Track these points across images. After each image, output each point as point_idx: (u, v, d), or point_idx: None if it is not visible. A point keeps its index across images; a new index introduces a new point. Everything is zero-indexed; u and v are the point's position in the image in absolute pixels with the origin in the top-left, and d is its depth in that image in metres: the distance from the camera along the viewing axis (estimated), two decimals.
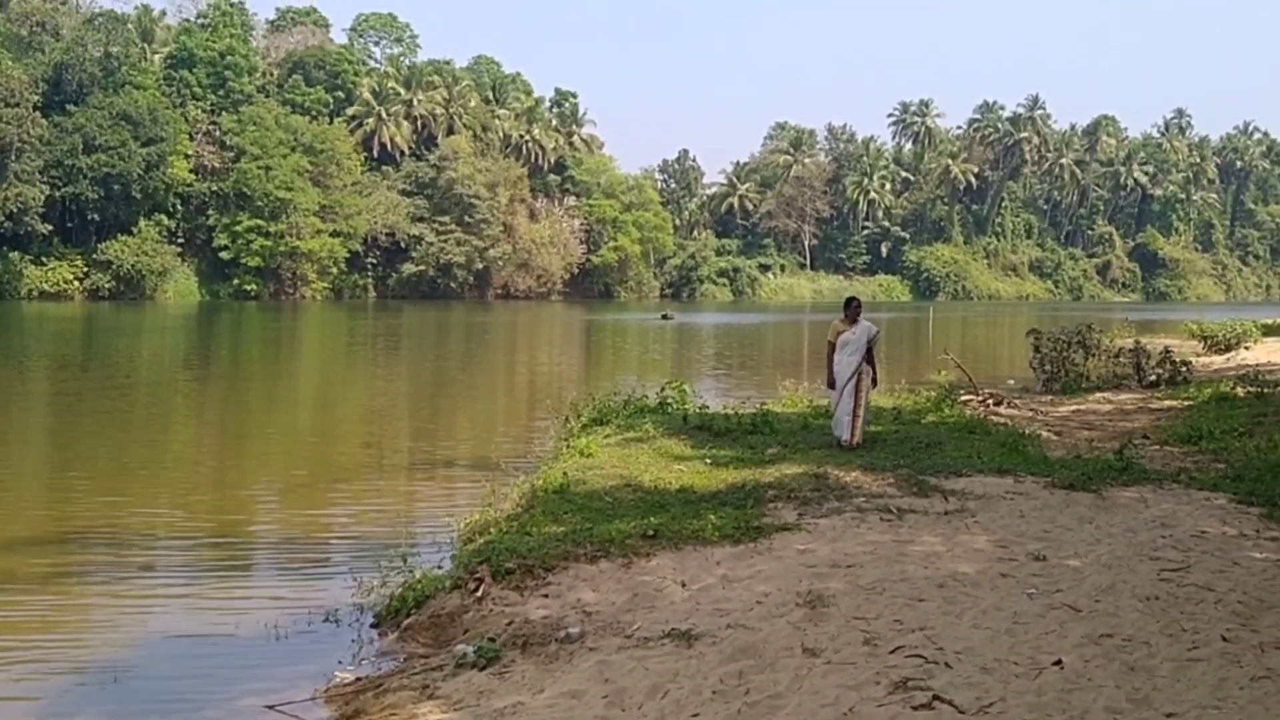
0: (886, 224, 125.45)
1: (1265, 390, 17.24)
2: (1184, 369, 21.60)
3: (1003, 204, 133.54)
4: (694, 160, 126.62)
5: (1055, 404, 18.62)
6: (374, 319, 62.88)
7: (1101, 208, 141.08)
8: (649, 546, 8.16)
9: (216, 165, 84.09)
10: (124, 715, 6.77)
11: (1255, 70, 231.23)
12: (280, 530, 12.13)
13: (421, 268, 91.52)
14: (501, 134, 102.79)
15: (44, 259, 77.04)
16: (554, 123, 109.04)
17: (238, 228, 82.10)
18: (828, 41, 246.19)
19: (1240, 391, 17.56)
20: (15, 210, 72.67)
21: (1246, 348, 30.19)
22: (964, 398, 18.14)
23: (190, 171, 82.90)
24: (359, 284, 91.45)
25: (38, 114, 74.52)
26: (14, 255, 74.87)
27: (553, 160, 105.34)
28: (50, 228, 76.39)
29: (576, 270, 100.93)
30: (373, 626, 7.97)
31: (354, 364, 35.31)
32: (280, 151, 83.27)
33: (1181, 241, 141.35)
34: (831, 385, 12.47)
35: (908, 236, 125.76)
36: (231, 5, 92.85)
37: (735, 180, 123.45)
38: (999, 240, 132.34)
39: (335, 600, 8.60)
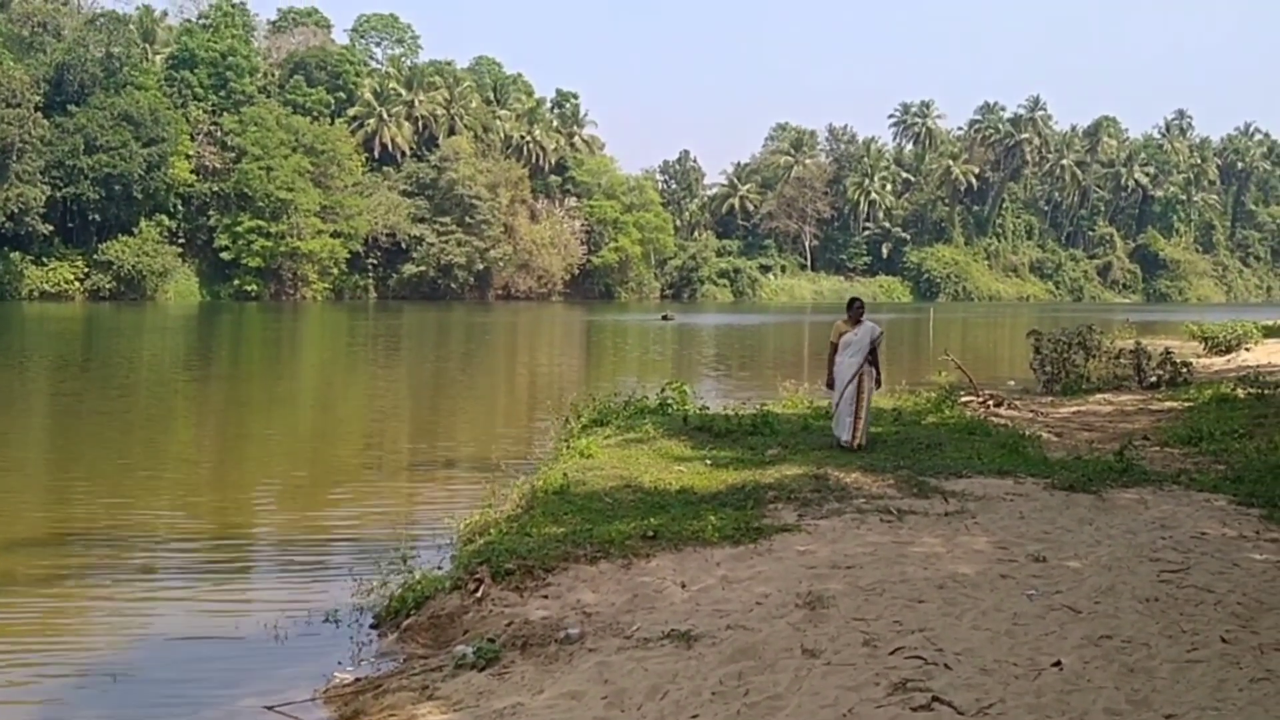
0: (887, 225, 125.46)
1: (1266, 392, 17.23)
2: (1184, 370, 21.59)
3: (1003, 205, 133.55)
4: (695, 161, 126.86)
5: (1056, 405, 18.62)
6: (374, 320, 62.90)
7: (1102, 209, 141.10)
8: (649, 547, 8.16)
9: (218, 166, 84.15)
10: (124, 716, 6.77)
11: (1256, 71, 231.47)
12: (280, 531, 12.14)
13: (422, 268, 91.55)
14: (502, 135, 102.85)
15: (45, 259, 77.10)
16: (555, 123, 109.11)
17: (239, 228, 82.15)
18: (829, 42, 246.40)
19: (1241, 393, 17.55)
20: (16, 210, 72.73)
21: (1247, 349, 30.19)
22: (964, 399, 18.14)
23: (191, 172, 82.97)
24: (360, 285, 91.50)
25: (39, 114, 74.60)
26: (15, 255, 74.93)
27: (554, 161, 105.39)
28: (51, 228, 76.46)
29: (577, 271, 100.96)
30: (372, 627, 7.97)
31: (354, 365, 35.32)
32: (281, 152, 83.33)
33: (1182, 243, 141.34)
34: (831, 386, 12.47)
35: (908, 237, 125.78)
36: (233, 6, 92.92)
37: (736, 181, 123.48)
38: (1000, 241, 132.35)
39: (335, 601, 8.60)
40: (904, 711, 5.21)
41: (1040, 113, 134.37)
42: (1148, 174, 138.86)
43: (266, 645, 7.88)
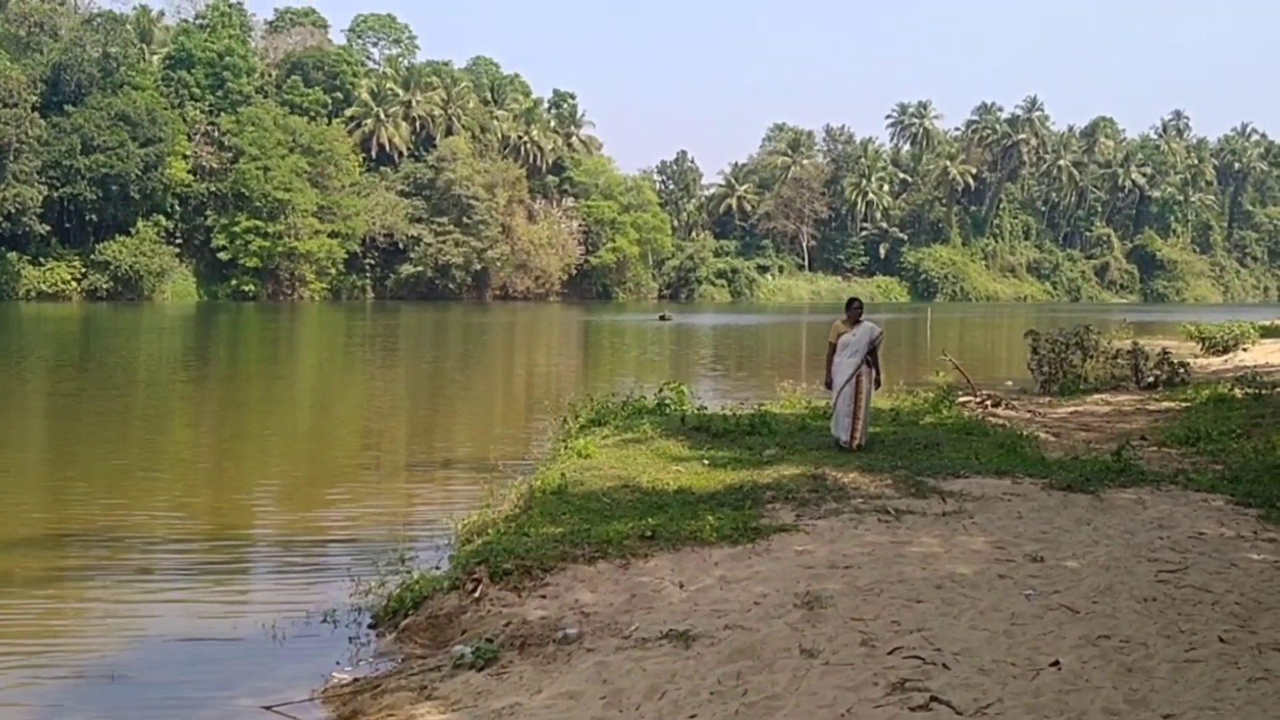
0: (885, 225, 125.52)
1: (1263, 392, 17.24)
2: (1182, 370, 21.60)
3: (1001, 205, 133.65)
4: (692, 161, 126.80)
5: (1053, 405, 18.63)
6: (372, 320, 62.87)
7: (1099, 209, 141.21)
8: (647, 547, 8.16)
9: (215, 166, 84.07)
10: (122, 716, 6.76)
11: (1254, 72, 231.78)
12: (278, 531, 12.13)
13: (419, 269, 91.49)
14: (500, 135, 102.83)
15: (42, 259, 77.04)
16: (552, 124, 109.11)
17: (236, 228, 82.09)
18: (826, 43, 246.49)
19: (1238, 393, 17.56)
20: (13, 211, 72.66)
21: (1244, 349, 30.23)
22: (962, 399, 18.15)
23: (188, 172, 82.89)
24: (357, 285, 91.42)
25: (36, 114, 74.55)
26: (12, 256, 74.88)
27: (551, 161, 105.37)
28: (48, 228, 76.37)
29: (575, 271, 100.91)
30: (370, 627, 7.96)
31: (352, 365, 35.30)
32: (279, 152, 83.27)
33: (1179, 243, 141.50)
34: (830, 386, 12.47)
35: (906, 238, 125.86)
36: (230, 6, 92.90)
37: (733, 181, 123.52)
38: (997, 241, 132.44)
39: (333, 601, 8.60)
40: (902, 711, 5.21)
41: (1037, 113, 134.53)
42: (1145, 175, 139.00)
43: (264, 645, 7.87)
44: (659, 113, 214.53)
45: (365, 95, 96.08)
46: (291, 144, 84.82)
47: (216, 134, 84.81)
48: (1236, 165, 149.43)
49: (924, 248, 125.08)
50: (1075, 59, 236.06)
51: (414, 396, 26.60)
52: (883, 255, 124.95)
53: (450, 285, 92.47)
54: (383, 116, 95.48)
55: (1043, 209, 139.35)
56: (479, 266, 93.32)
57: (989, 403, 18.08)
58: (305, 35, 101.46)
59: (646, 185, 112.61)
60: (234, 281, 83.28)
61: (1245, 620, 6.40)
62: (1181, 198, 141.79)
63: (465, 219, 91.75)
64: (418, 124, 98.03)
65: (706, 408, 15.86)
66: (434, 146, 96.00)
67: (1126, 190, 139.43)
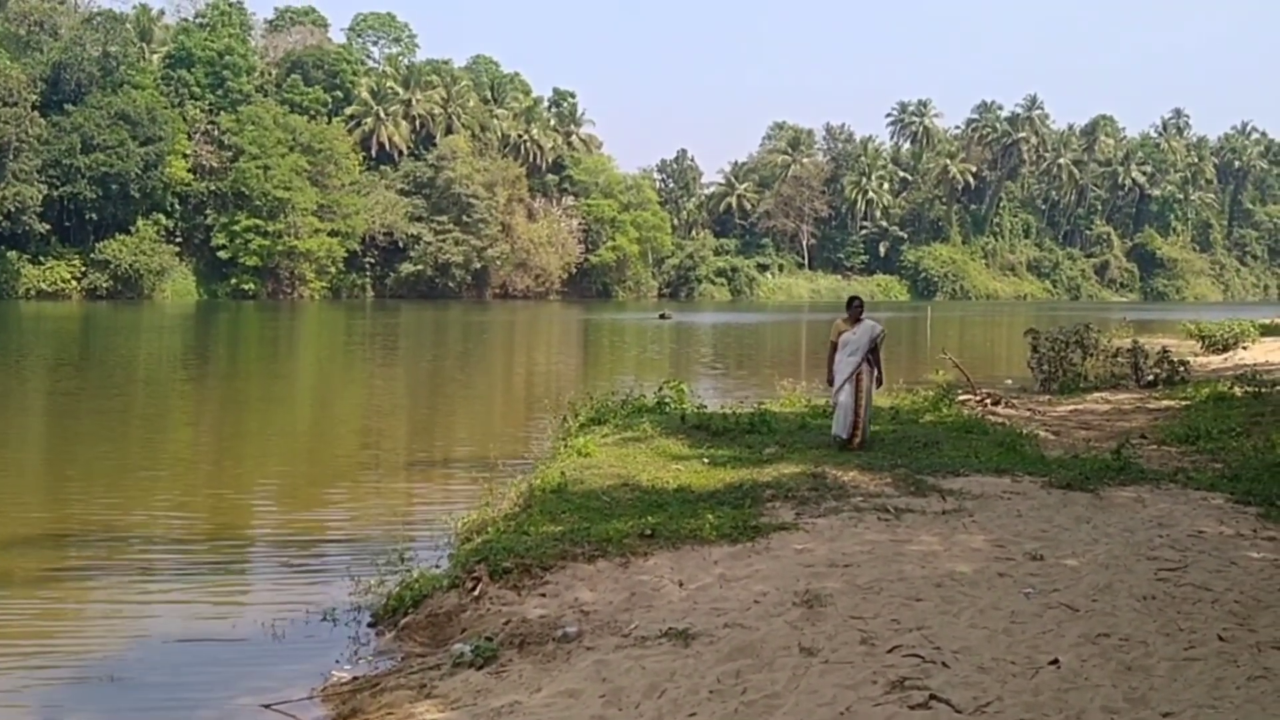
0: (884, 224, 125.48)
1: (1263, 390, 17.25)
2: (1182, 369, 21.61)
3: (1001, 204, 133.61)
4: (692, 160, 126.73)
5: (1053, 404, 18.64)
6: (372, 318, 62.87)
7: (1099, 208, 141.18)
8: (646, 546, 8.15)
9: (215, 165, 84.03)
10: (121, 715, 6.76)
11: (1254, 70, 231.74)
12: (278, 530, 12.13)
13: (419, 267, 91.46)
14: (500, 133, 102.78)
15: (42, 258, 77.00)
16: (552, 122, 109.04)
17: (236, 227, 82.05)
18: (826, 42, 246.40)
19: (1238, 391, 17.57)
20: (13, 209, 72.62)
21: (1244, 347, 30.23)
22: (962, 397, 18.15)
23: (188, 171, 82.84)
24: (357, 283, 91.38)
25: (36, 113, 74.49)
26: (12, 254, 74.84)
27: (551, 160, 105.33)
28: (48, 227, 76.34)
29: (574, 270, 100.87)
30: (370, 626, 7.96)
31: (352, 364, 35.30)
32: (278, 151, 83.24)
33: (1179, 241, 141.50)
34: (833, 384, 12.46)
35: (906, 236, 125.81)
36: (230, 5, 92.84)
37: (733, 180, 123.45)
38: (997, 240, 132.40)
39: (333, 599, 8.60)
40: (902, 709, 5.21)
41: (1037, 111, 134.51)
42: (1145, 173, 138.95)
43: (264, 644, 7.88)
44: (659, 112, 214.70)
45: (365, 94, 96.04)
46: (291, 143, 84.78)
47: (216, 133, 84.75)
48: (1236, 164, 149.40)
49: (924, 246, 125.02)
50: (1075, 57, 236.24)
51: (414, 395, 26.60)
52: (882, 254, 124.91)
53: (450, 284, 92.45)
54: (382, 115, 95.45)
55: (1043, 207, 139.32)
56: (479, 265, 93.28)
57: (989, 401, 18.08)
58: (305, 34, 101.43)
59: (646, 184, 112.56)
60: (234, 280, 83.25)
61: (1245, 618, 6.40)
62: (1181, 196, 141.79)
63: (465, 218, 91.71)
64: (417, 123, 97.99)
65: (706, 406, 15.86)
66: (434, 145, 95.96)
67: (1126, 189, 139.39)
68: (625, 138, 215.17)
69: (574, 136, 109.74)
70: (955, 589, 7.02)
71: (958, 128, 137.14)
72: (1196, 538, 8.27)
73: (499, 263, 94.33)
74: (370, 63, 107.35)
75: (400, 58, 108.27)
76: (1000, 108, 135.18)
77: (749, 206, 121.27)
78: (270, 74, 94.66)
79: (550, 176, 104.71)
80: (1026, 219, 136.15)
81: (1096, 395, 19.58)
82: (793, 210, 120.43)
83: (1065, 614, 6.51)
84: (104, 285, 77.23)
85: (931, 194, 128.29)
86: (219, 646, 7.94)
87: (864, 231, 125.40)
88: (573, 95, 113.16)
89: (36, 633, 8.47)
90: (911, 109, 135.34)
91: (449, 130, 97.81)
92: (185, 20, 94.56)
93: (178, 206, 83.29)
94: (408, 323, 58.62)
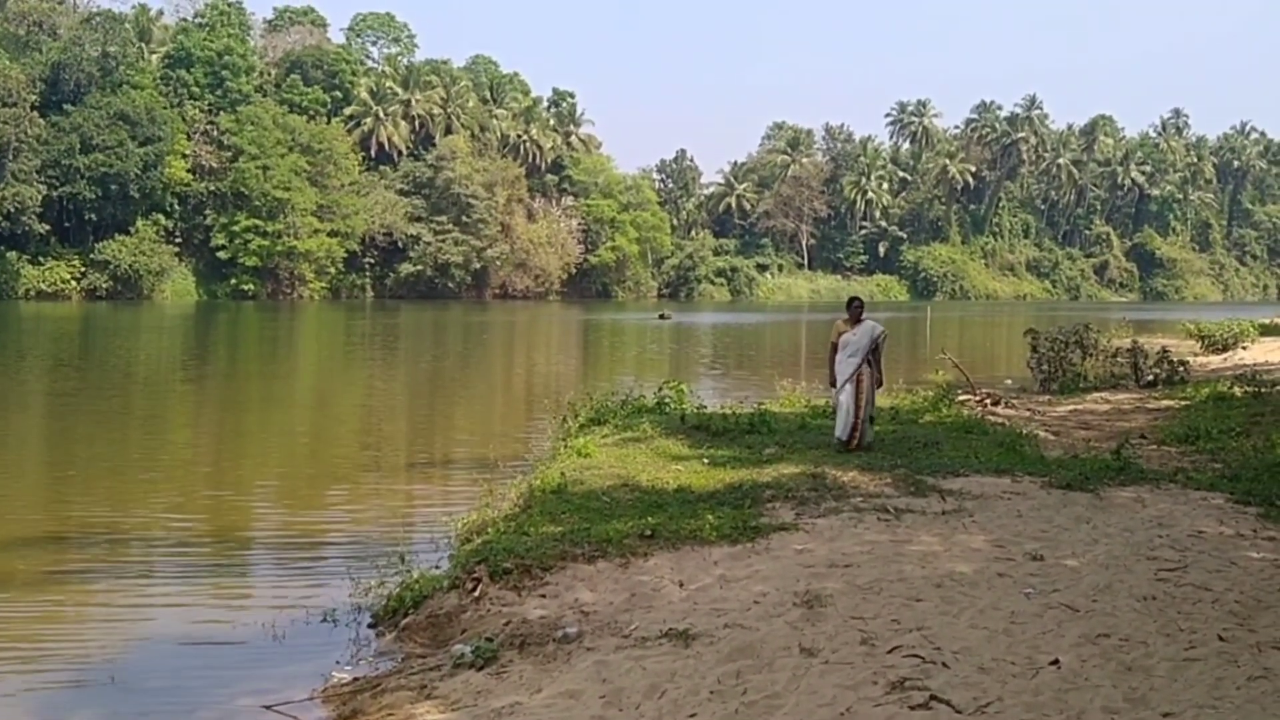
0: (884, 224, 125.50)
1: (1262, 390, 17.25)
2: (1181, 369, 21.61)
3: (1000, 204, 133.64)
4: (691, 160, 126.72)
5: (1053, 404, 18.63)
6: (371, 319, 62.85)
7: (1099, 207, 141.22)
8: (646, 546, 8.15)
9: (214, 165, 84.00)
10: (122, 716, 6.76)
11: (1253, 70, 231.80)
12: (278, 531, 12.13)
13: (419, 267, 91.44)
14: (499, 134, 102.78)
15: (41, 259, 76.96)
16: (551, 122, 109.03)
17: (235, 227, 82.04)
18: (825, 42, 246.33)
19: (1237, 391, 17.58)
20: (12, 210, 72.59)
21: (1244, 347, 30.24)
22: (961, 397, 18.15)
23: (188, 171, 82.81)
24: (356, 284, 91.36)
25: (35, 114, 74.46)
26: (11, 255, 74.80)
27: (550, 160, 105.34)
28: (47, 227, 76.29)
29: (574, 270, 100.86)
30: (370, 627, 7.96)
31: (351, 364, 35.29)
32: (278, 151, 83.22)
33: (1179, 241, 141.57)
34: (834, 384, 12.45)
35: (905, 236, 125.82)
36: (229, 5, 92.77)
37: (733, 180, 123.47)
38: (996, 240, 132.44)
39: (333, 600, 8.59)
40: (902, 710, 5.21)
41: (1036, 111, 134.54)
42: (1144, 173, 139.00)
43: (264, 645, 7.87)
44: (659, 112, 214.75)
45: (364, 94, 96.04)
46: (291, 143, 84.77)
47: (216, 133, 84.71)
48: (1236, 163, 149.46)
49: (923, 246, 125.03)
50: (1074, 57, 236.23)
51: (413, 396, 26.60)
52: (882, 254, 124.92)
53: (450, 284, 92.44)
54: (382, 115, 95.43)
55: (1042, 207, 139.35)
56: (478, 265, 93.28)
57: (988, 401, 18.08)
58: (304, 34, 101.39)
59: (646, 184, 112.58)
60: (233, 280, 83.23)
61: (1245, 618, 6.40)
62: (1181, 196, 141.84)
63: (464, 218, 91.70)
64: (417, 123, 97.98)
65: (706, 406, 15.86)
66: (433, 145, 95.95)
67: (1126, 188, 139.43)
68: (625, 138, 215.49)
69: (573, 136, 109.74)
70: (955, 589, 7.02)
71: (957, 128, 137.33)
72: (1196, 538, 8.27)
73: (499, 263, 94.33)
74: (369, 63, 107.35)
75: (399, 58, 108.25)
76: (999, 108, 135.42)
77: (748, 206, 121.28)
78: (269, 74, 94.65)
79: (550, 177, 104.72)
80: (1026, 219, 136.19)
81: (1096, 395, 19.58)
82: (792, 210, 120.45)
83: (1065, 614, 6.51)
84: (103, 286, 77.19)
85: (931, 194, 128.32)
86: (219, 648, 7.94)
87: (863, 231, 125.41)
88: (572, 95, 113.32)
89: (36, 635, 8.46)
90: (911, 109, 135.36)
91: (448, 130, 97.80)
92: (184, 20, 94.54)
93: (177, 207, 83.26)
94: (407, 323, 58.61)
